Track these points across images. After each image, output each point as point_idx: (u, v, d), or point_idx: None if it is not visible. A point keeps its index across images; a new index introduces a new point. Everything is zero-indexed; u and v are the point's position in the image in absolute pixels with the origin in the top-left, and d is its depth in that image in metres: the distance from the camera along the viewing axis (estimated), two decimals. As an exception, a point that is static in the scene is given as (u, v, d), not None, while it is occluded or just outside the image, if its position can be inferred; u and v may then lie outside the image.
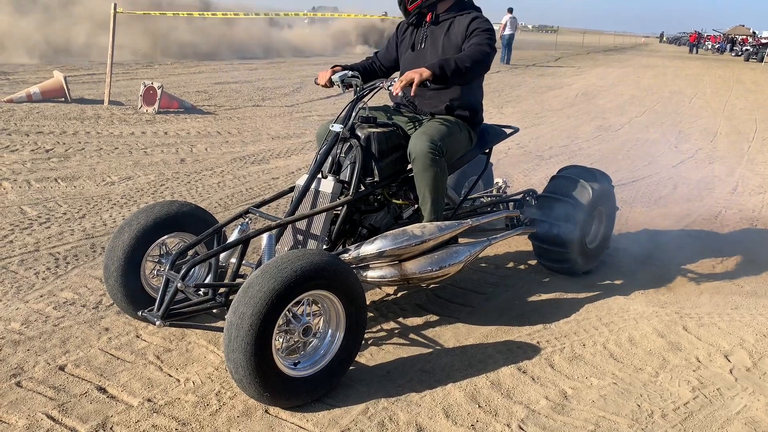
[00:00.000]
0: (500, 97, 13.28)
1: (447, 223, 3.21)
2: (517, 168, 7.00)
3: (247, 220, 3.09)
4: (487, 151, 3.79)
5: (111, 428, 2.36)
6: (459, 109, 3.43)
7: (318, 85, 3.47)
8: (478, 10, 3.44)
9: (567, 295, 3.82)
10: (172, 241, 3.11)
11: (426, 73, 2.99)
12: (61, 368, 2.72)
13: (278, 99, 11.15)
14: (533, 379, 2.89)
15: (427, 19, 3.41)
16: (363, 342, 2.86)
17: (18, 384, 2.58)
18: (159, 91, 8.73)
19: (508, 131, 3.92)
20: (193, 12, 13.78)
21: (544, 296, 3.79)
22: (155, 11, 12.67)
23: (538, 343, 3.21)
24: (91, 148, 6.59)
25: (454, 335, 3.23)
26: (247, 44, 20.42)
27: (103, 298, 3.35)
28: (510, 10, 22.73)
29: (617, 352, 3.17)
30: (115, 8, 8.96)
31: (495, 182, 4.43)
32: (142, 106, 8.76)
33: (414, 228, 3.07)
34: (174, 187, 5.47)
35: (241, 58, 18.31)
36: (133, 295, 2.94)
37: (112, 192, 5.19)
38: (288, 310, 2.46)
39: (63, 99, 8.92)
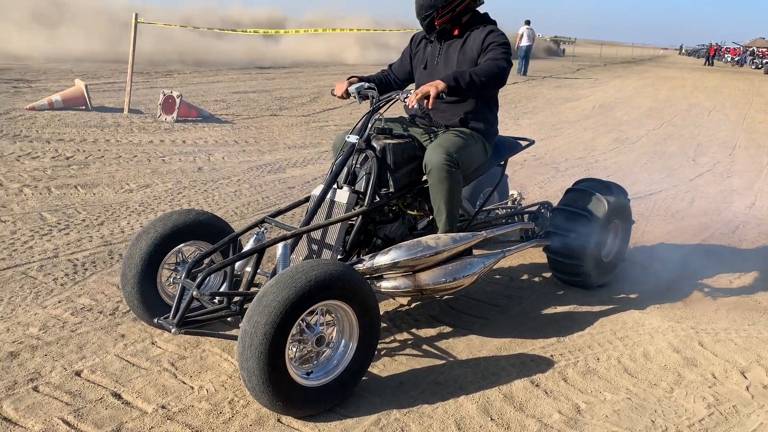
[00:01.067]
0: (516, 109, 13.26)
1: (461, 234, 3.21)
2: (533, 180, 6.98)
3: (262, 229, 3.13)
4: (502, 163, 3.79)
5: (125, 434, 2.38)
6: (474, 121, 3.44)
7: (335, 96, 3.50)
8: (494, 23, 3.46)
9: (581, 308, 3.80)
10: (189, 250, 3.14)
11: (441, 85, 3.01)
12: (78, 374, 2.75)
13: (295, 108, 11.22)
14: (546, 392, 2.87)
15: (455, 33, 3.42)
16: (376, 353, 2.86)
17: (35, 389, 2.62)
18: (178, 100, 8.83)
19: (524, 143, 3.93)
20: (222, 29, 13.93)
21: (559, 309, 3.77)
22: (174, 24, 12.82)
23: (551, 356, 3.20)
24: (110, 155, 6.68)
25: (468, 347, 3.23)
26: (264, 55, 20.64)
27: (119, 304, 3.39)
28: (527, 22, 22.77)
29: (631, 367, 3.14)
30: (136, 18, 9.10)
31: (510, 194, 4.43)
32: (161, 114, 8.86)
33: (428, 239, 3.08)
34: (191, 195, 5.52)
35: (259, 67, 18.47)
36: (150, 303, 2.98)
37: (130, 199, 5.25)
38: (302, 320, 2.47)
39: (84, 107, 9.05)
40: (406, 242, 3.08)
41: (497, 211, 4.26)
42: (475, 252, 3.41)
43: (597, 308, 3.81)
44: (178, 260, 3.10)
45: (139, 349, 2.99)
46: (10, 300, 3.36)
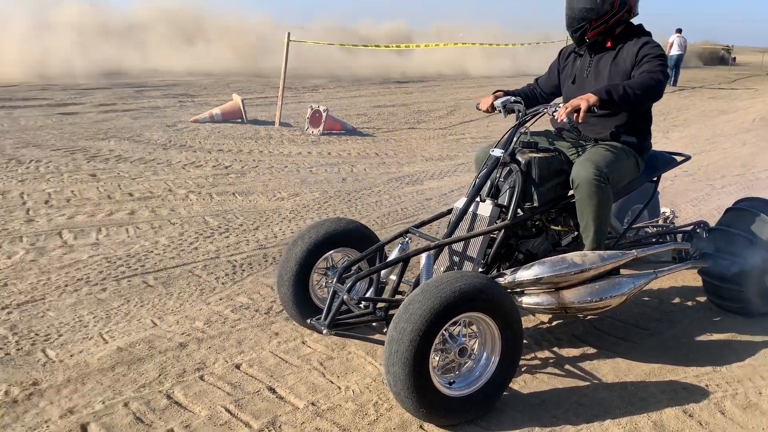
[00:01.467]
0: (666, 121, 12.53)
1: (610, 252, 3.11)
2: (685, 197, 6.57)
3: (407, 239, 3.22)
4: (654, 179, 3.63)
5: (279, 427, 2.56)
6: (625, 134, 3.32)
7: (480, 110, 3.53)
8: (649, 34, 3.33)
9: (741, 336, 3.53)
10: (337, 256, 3.31)
11: (593, 98, 2.95)
12: (237, 367, 2.99)
13: (432, 121, 11.38)
14: (700, 424, 2.71)
15: (607, 45, 3.34)
16: (518, 368, 2.85)
17: (201, 378, 2.88)
18: (324, 114, 9.29)
19: (679, 158, 3.73)
20: (366, 44, 14.48)
21: (715, 336, 3.53)
22: (323, 41, 13.51)
23: (706, 386, 3.00)
24: (263, 165, 7.17)
25: (613, 370, 3.11)
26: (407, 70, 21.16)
27: (273, 304, 3.64)
28: (678, 30, 21.47)
29: (801, 405, 2.88)
30: (288, 37, 9.70)
31: (662, 212, 4.22)
32: (308, 127, 9.36)
33: (574, 256, 3.02)
34: (336, 204, 5.79)
35: (397, 82, 18.91)
36: (302, 304, 3.17)
37: (281, 207, 5.60)
38: (445, 330, 2.52)
39: (240, 120, 9.78)
40: (550, 258, 3.04)
41: (647, 229, 4.07)
42: (624, 272, 3.29)
43: (759, 337, 3.52)
44: (328, 265, 3.28)
45: (291, 347, 3.19)
46: (179, 295, 3.72)
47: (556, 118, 3.11)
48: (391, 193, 6.33)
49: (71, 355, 3.00)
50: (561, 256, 3.04)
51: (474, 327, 2.69)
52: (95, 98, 11.38)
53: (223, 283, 3.92)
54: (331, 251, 3.25)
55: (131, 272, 4.00)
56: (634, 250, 3.28)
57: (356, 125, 10.20)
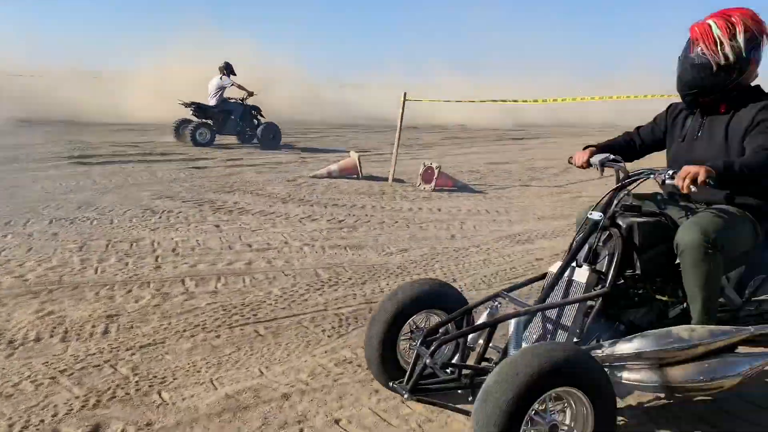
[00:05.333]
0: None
1: (723, 328, 2.82)
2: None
3: (497, 303, 3.06)
4: None
5: (374, 487, 2.52)
6: (742, 196, 3.03)
7: (573, 165, 3.38)
8: (767, 96, 3.04)
9: None
10: (424, 318, 3.25)
11: (711, 171, 2.69)
12: (337, 422, 3.00)
13: (547, 179, 11.17)
14: None
15: (721, 110, 3.10)
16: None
17: (301, 430, 2.92)
18: (436, 171, 9.40)
19: None
20: (483, 99, 14.65)
21: None
22: (438, 99, 13.83)
23: None
24: (375, 220, 7.33)
25: (741, 457, 2.82)
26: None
27: (375, 361, 3.64)
28: None
29: None
30: (404, 96, 10.01)
31: None
32: (420, 183, 9.50)
33: (681, 330, 2.76)
34: (443, 261, 5.77)
35: (513, 139, 18.82)
36: (389, 367, 3.12)
37: (389, 262, 5.67)
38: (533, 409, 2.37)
39: (356, 176, 10.11)
40: (654, 331, 2.79)
41: None
42: (742, 349, 2.97)
43: None
44: (414, 328, 3.21)
45: (391, 405, 3.16)
46: (286, 346, 3.83)
47: (680, 189, 2.79)
48: (500, 251, 6.23)
49: (183, 399, 3.15)
50: (667, 329, 2.79)
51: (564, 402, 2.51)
52: (223, 153, 12.23)
53: (329, 336, 3.99)
54: (420, 313, 3.18)
55: (244, 321, 4.18)
56: (751, 327, 2.94)
57: (468, 181, 10.22)
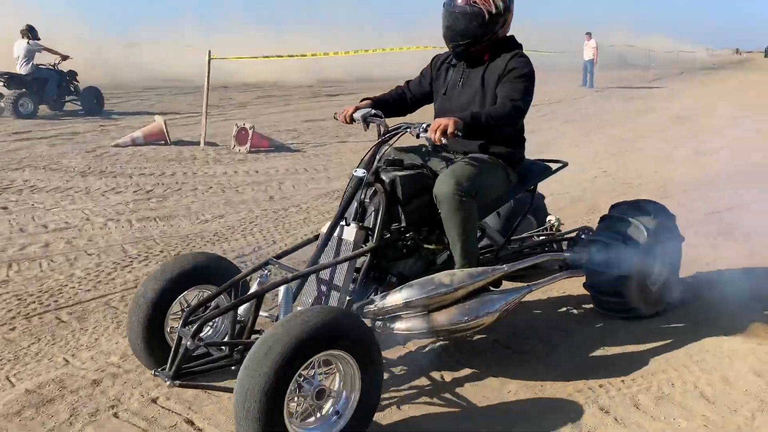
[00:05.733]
0: (589, 123, 12.98)
1: (479, 269, 3.03)
2: (603, 198, 6.79)
3: (266, 271, 2.96)
4: (531, 188, 3.55)
5: (197, 460, 2.48)
6: (495, 146, 3.23)
7: (338, 120, 3.35)
8: (520, 46, 3.26)
9: (653, 330, 3.65)
10: (196, 295, 3.04)
11: (459, 122, 2.84)
12: (154, 401, 2.89)
13: (363, 134, 11.37)
14: (616, 420, 2.79)
15: (485, 58, 3.23)
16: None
17: (115, 415, 2.78)
18: (250, 132, 9.17)
19: (554, 166, 3.64)
20: (291, 55, 14.35)
21: (630, 329, 3.63)
22: (246, 56, 13.36)
23: (622, 381, 3.10)
24: (187, 188, 7.01)
25: (533, 373, 3.17)
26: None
27: (193, 332, 3.54)
28: (588, 34, 22.58)
29: (709, 393, 3.00)
30: (209, 55, 9.57)
31: (547, 220, 4.03)
32: (234, 146, 9.22)
33: (443, 276, 2.92)
34: (262, 224, 5.71)
35: (328, 95, 18.91)
36: (157, 353, 2.90)
37: (205, 230, 5.49)
38: (299, 375, 2.36)
39: (163, 142, 9.55)
40: (418, 280, 2.91)
41: (534, 238, 3.95)
42: (506, 286, 3.23)
43: (670, 330, 3.65)
44: (186, 306, 2.97)
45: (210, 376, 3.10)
46: (94, 330, 3.58)
47: (432, 140, 2.90)
48: (320, 209, 6.30)
49: (-27, 403, 2.83)
50: (429, 277, 2.92)
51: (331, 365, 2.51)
52: (7, 127, 10.90)
53: (141, 314, 3.79)
54: (191, 290, 2.99)
55: (43, 309, 3.83)
56: (504, 265, 3.20)
57: (285, 141, 10.13)
